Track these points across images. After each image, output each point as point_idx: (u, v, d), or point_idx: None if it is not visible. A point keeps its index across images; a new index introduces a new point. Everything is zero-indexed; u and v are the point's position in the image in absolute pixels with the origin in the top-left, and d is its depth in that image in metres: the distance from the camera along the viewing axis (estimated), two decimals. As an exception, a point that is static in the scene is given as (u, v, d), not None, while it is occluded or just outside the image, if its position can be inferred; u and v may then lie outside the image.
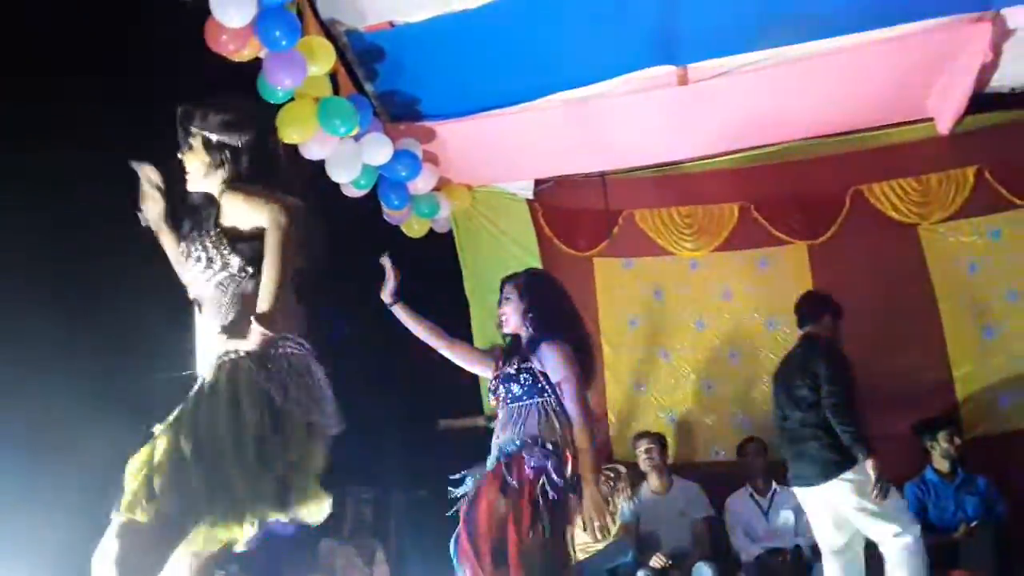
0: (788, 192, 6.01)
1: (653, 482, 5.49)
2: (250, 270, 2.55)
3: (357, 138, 4.80)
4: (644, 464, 5.49)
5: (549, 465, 3.35)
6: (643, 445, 5.51)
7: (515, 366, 3.64)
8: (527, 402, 3.57)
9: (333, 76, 4.63)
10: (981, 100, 5.38)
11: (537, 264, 6.12)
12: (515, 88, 5.08)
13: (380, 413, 5.32)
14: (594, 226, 6.20)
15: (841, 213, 5.94)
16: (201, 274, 2.59)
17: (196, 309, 2.67)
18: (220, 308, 2.56)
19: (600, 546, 5.20)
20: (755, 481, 5.49)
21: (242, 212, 2.56)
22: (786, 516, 5.37)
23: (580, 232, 6.20)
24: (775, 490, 5.44)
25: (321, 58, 4.28)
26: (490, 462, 3.58)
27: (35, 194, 3.74)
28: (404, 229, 5.65)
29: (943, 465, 5.21)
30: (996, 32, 4.77)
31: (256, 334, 2.41)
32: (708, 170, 6.07)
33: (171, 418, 2.49)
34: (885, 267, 5.85)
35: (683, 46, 4.85)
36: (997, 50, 4.92)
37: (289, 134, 4.42)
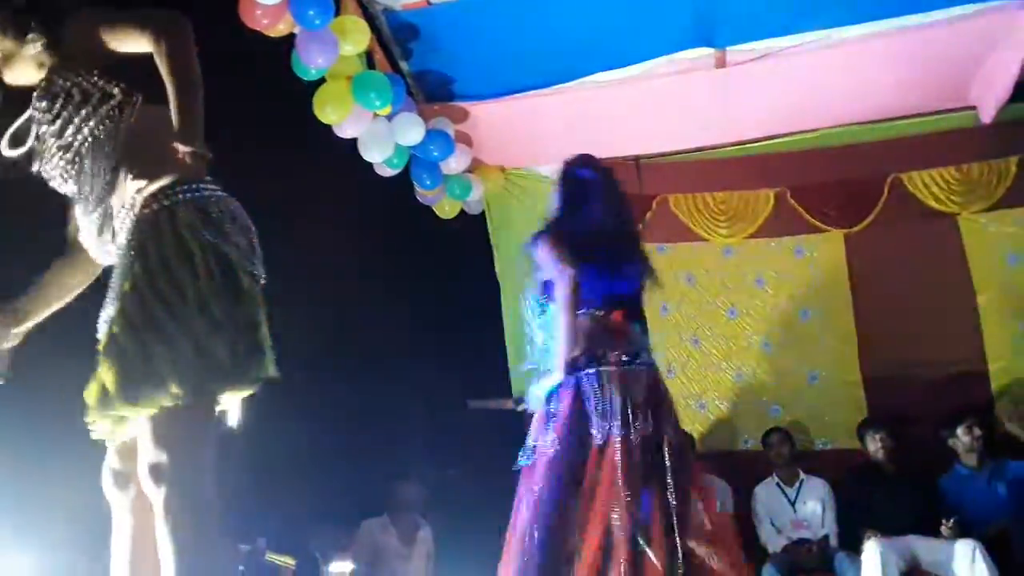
0: (825, 179, 5.93)
1: None
2: (139, 96, 2.18)
3: (390, 117, 4.81)
4: None
5: None
6: None
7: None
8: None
9: (369, 54, 4.65)
10: (1025, 89, 5.27)
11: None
12: (550, 70, 5.06)
13: (409, 392, 5.35)
14: (627, 210, 6.16)
15: (879, 201, 5.86)
16: (74, 118, 2.17)
17: (58, 174, 2.25)
18: (109, 152, 2.16)
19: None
20: (782, 471, 5.45)
21: (107, 41, 2.17)
22: (813, 506, 5.32)
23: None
24: (802, 480, 5.40)
25: (355, 38, 4.29)
26: None
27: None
28: (436, 210, 5.66)
29: (970, 459, 5.15)
30: (1043, 19, 4.68)
31: (189, 161, 2.01)
32: (744, 155, 6.00)
33: (111, 310, 2.13)
34: (923, 257, 5.77)
35: (722, 28, 4.80)
36: (1044, 38, 4.82)
37: (325, 113, 4.44)
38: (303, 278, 4.81)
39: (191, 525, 1.95)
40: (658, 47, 4.94)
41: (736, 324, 6.02)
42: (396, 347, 5.41)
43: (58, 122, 2.19)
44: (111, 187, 2.17)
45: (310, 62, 4.17)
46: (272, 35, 4.04)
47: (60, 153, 2.21)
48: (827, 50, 4.93)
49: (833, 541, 5.17)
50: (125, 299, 2.04)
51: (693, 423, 5.83)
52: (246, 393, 2.13)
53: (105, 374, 1.99)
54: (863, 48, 4.91)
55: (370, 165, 5.02)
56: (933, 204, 5.80)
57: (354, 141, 4.79)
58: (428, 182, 5.29)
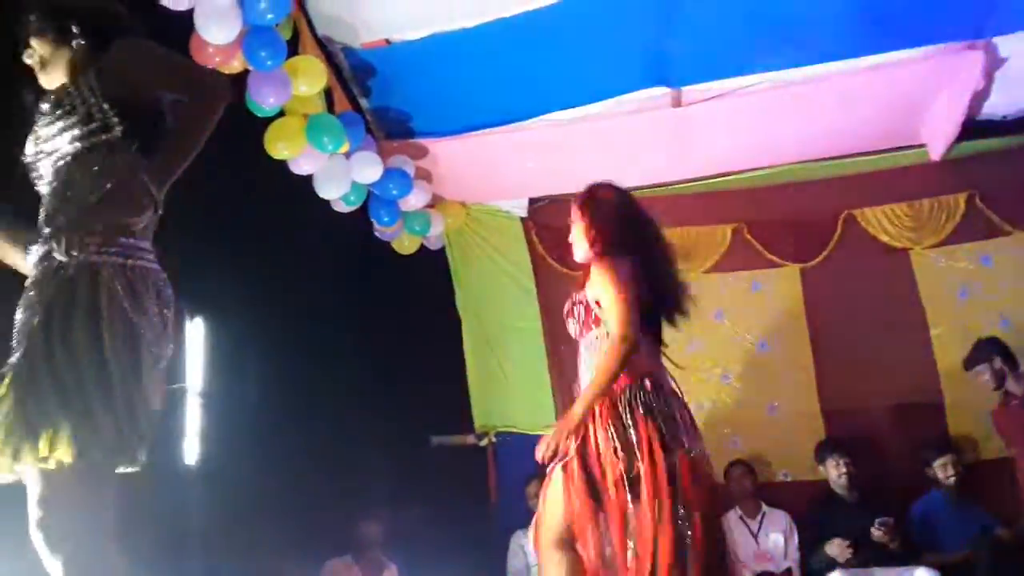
0: (780, 215, 6.02)
1: None
2: (133, 141, 2.13)
3: (349, 155, 4.82)
4: None
5: None
6: None
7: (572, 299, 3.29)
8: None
9: (328, 92, 4.66)
10: (973, 127, 5.41)
11: (530, 283, 6.14)
12: (509, 108, 5.11)
13: (371, 429, 5.32)
14: (587, 246, 6.20)
15: (833, 237, 5.95)
16: (66, 132, 2.12)
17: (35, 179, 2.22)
18: (80, 181, 2.10)
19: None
20: (744, 503, 5.48)
21: (146, 74, 2.16)
22: (775, 539, 5.36)
23: (573, 251, 6.20)
24: (764, 512, 5.43)
25: (310, 77, 4.29)
26: None
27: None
28: (395, 245, 5.67)
29: (948, 490, 5.24)
30: (988, 60, 4.81)
31: (142, 211, 2.00)
32: (701, 192, 6.07)
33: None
34: (876, 291, 5.86)
35: (677, 68, 4.88)
36: (989, 78, 4.97)
37: (277, 149, 4.44)
38: (259, 315, 4.79)
39: None
40: (615, 86, 5.01)
41: (695, 357, 6.04)
42: (357, 384, 5.38)
43: (52, 128, 2.14)
44: (66, 213, 2.09)
45: (262, 102, 4.17)
46: (226, 71, 4.04)
47: (43, 158, 2.17)
48: (781, 90, 5.03)
49: (796, 573, 5.20)
50: (23, 351, 1.98)
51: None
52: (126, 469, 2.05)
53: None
54: (816, 88, 5.02)
55: (327, 200, 5.02)
56: (886, 239, 5.91)
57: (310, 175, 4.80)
58: (386, 219, 5.31)
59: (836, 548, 4.97)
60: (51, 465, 1.89)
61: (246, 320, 4.77)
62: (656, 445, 2.96)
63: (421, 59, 4.71)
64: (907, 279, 5.86)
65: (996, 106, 5.35)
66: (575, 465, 3.06)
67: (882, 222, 5.92)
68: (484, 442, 6.02)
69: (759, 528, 5.41)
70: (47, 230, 2.09)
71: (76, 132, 2.11)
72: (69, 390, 1.90)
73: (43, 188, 2.19)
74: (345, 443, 5.19)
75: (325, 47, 4.58)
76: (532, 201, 6.19)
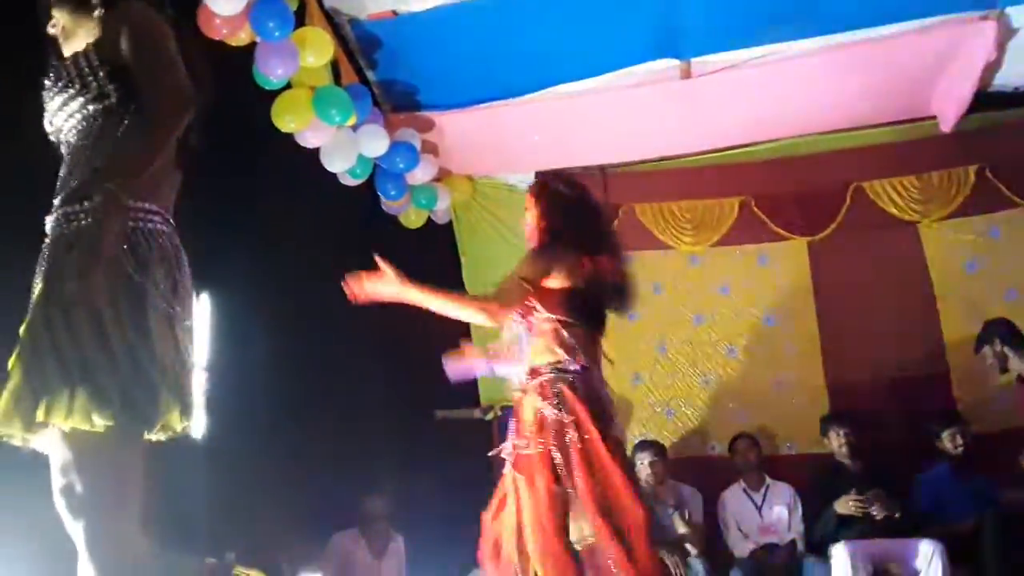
0: (789, 188, 6.00)
1: (654, 490, 5.24)
2: (130, 107, 2.09)
3: (356, 128, 4.79)
4: (643, 475, 5.23)
5: None
6: (646, 459, 5.30)
7: None
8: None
9: (335, 65, 4.62)
10: (984, 99, 5.37)
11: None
12: (518, 80, 5.07)
13: (377, 403, 5.32)
14: (594, 219, 6.18)
15: (841, 209, 5.93)
16: (67, 104, 2.12)
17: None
18: (85, 149, 2.10)
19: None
20: (748, 476, 5.49)
21: (127, 52, 2.11)
22: (779, 511, 5.36)
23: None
24: (768, 485, 5.44)
25: (317, 49, 4.26)
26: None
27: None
28: (402, 219, 5.65)
29: (955, 461, 5.24)
30: (1000, 31, 4.77)
31: (140, 174, 1.98)
32: (709, 165, 6.05)
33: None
34: (884, 264, 5.85)
35: (687, 40, 4.84)
36: (1000, 49, 4.92)
37: (284, 122, 4.41)
38: (264, 290, 4.77)
39: (112, 561, 1.89)
40: (624, 58, 4.97)
41: (702, 331, 6.07)
42: (363, 358, 5.38)
43: (55, 102, 2.14)
44: (70, 182, 2.10)
45: (270, 73, 4.14)
46: (233, 44, 4.01)
47: (54, 132, 2.19)
48: (790, 61, 4.99)
49: (800, 546, 5.21)
50: (32, 313, 1.99)
51: (660, 430, 5.86)
52: (147, 434, 2.00)
53: (7, 389, 1.93)
54: (826, 60, 4.97)
55: (334, 173, 4.99)
56: (894, 212, 5.88)
57: (316, 148, 4.77)
58: (393, 193, 5.28)
59: (843, 505, 4.97)
60: (68, 431, 1.89)
61: (252, 295, 4.76)
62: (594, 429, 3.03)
63: (428, 31, 4.67)
64: (915, 252, 5.85)
65: (1008, 77, 5.31)
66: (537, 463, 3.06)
67: (891, 194, 5.89)
68: (489, 416, 6.02)
69: (763, 501, 5.42)
70: (55, 202, 2.10)
71: (75, 104, 2.11)
72: (69, 356, 1.88)
73: (63, 151, 2.18)
74: (351, 417, 5.20)
75: (331, 19, 4.53)
76: (539, 175, 6.14)
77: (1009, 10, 4.69)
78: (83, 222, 1.98)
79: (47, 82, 2.17)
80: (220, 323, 4.84)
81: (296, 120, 4.41)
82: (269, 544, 4.83)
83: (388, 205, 5.47)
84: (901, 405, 5.59)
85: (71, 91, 2.10)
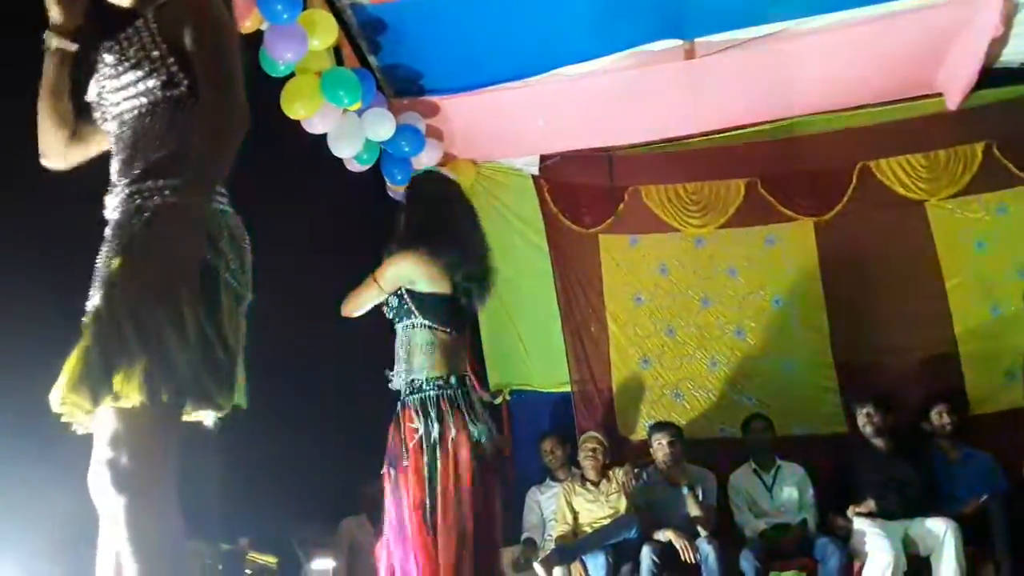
0: (795, 168, 5.97)
1: (667, 473, 5.32)
2: (196, 101, 2.05)
3: (360, 112, 4.78)
4: (661, 457, 5.33)
5: None
6: (664, 439, 5.34)
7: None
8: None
9: (337, 50, 4.62)
10: (990, 75, 5.32)
11: (542, 241, 6.12)
12: (520, 63, 5.05)
13: (384, 389, 5.32)
14: (600, 202, 6.17)
15: (848, 189, 5.91)
16: (132, 86, 2.07)
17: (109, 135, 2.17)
18: (150, 134, 2.06)
19: (606, 521, 5.23)
20: (759, 457, 5.48)
21: (190, 43, 2.05)
22: (790, 492, 5.36)
23: (586, 208, 6.18)
24: (779, 466, 5.44)
25: (323, 32, 4.26)
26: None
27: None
28: (408, 204, 5.64)
29: (943, 444, 5.25)
30: (1006, 6, 4.72)
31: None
32: (715, 146, 6.02)
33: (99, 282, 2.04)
34: (892, 244, 5.83)
35: (690, 20, 4.82)
36: (1007, 24, 4.87)
37: (293, 108, 4.40)
38: (271, 277, 4.77)
39: (154, 534, 1.90)
40: (627, 39, 4.95)
41: (709, 313, 6.05)
42: (370, 344, 5.37)
43: (117, 81, 2.09)
44: (138, 163, 2.07)
45: (279, 57, 4.14)
46: (240, 31, 3.99)
47: (108, 105, 2.13)
48: (795, 40, 4.96)
49: (811, 526, 5.21)
50: (102, 293, 1.97)
51: (669, 412, 5.86)
52: (210, 413, 2.03)
53: (70, 364, 1.92)
54: (830, 38, 4.94)
55: (339, 160, 4.99)
56: (901, 191, 5.86)
57: (322, 136, 4.76)
58: (399, 177, 5.27)
59: (864, 507, 4.98)
60: (126, 405, 1.88)
61: (259, 282, 4.76)
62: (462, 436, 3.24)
63: (430, 15, 4.65)
64: (923, 231, 5.82)
65: (1014, 53, 5.25)
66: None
67: (898, 174, 5.87)
68: (499, 400, 6.03)
69: (773, 481, 5.41)
70: (123, 180, 2.08)
71: (141, 86, 2.06)
72: (145, 331, 1.87)
73: (110, 133, 2.15)
74: (358, 401, 5.21)
75: (333, 3, 4.51)
76: (544, 158, 6.14)
77: (1016, -15, 4.66)
78: (165, 198, 1.98)
79: (107, 54, 2.11)
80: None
81: (305, 106, 4.40)
82: (282, 530, 4.85)
83: (394, 190, 5.46)
84: (911, 385, 5.58)
85: (139, 72, 2.05)
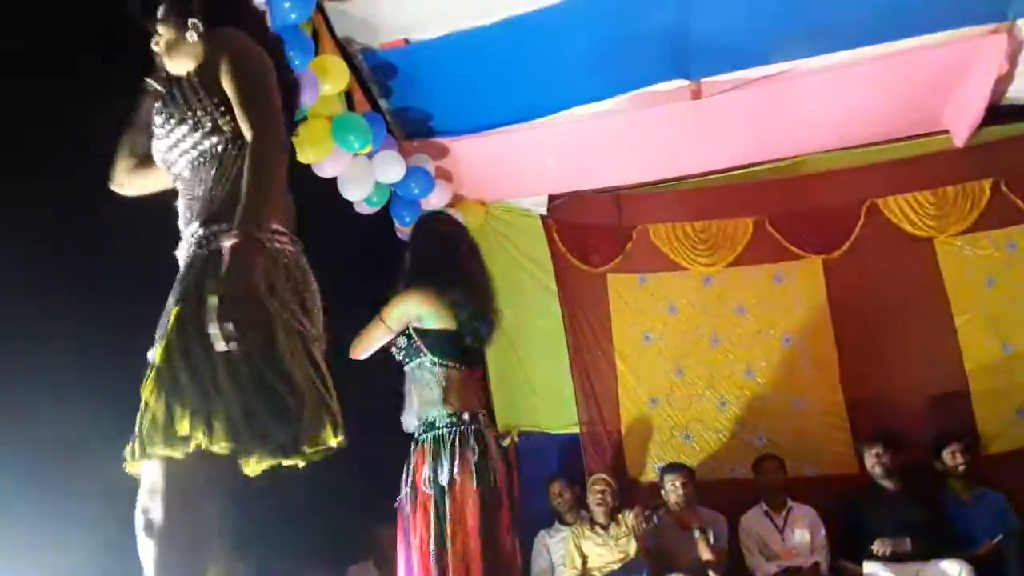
0: (802, 206, 5.98)
1: (679, 515, 5.26)
2: (242, 141, 2.07)
3: (370, 156, 4.81)
4: (674, 499, 5.28)
5: None
6: (677, 480, 5.29)
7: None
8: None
9: (348, 93, 4.65)
10: (997, 112, 5.35)
11: (551, 281, 6.12)
12: (529, 104, 5.08)
13: (392, 430, 5.29)
14: (608, 242, 6.18)
15: (856, 227, 5.91)
16: (182, 141, 2.12)
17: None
18: (202, 184, 2.10)
19: (616, 566, 5.18)
20: (770, 498, 5.43)
21: (226, 83, 2.08)
22: (802, 534, 5.30)
23: (594, 248, 6.18)
24: (790, 507, 5.39)
25: (335, 77, 4.29)
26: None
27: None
28: (417, 246, 5.65)
29: (955, 484, 5.20)
30: (1012, 43, 4.77)
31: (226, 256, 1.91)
32: (722, 184, 6.03)
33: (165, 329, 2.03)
34: (901, 281, 5.81)
35: (697, 60, 4.85)
36: (1013, 61, 4.92)
37: (305, 153, 4.42)
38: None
39: None
40: (634, 80, 4.98)
41: (719, 352, 6.03)
42: (378, 384, 5.35)
43: (168, 140, 2.14)
44: (193, 209, 2.11)
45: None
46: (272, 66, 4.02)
47: (165, 157, 2.19)
48: (800, 79, 4.99)
49: (823, 568, 5.15)
50: (165, 340, 1.96)
51: (679, 454, 5.81)
52: (272, 461, 2.01)
53: (147, 409, 1.92)
54: (836, 76, 4.97)
55: (348, 202, 5.00)
56: (909, 228, 5.86)
57: (331, 178, 4.79)
58: (408, 219, 5.28)
59: (879, 546, 4.92)
60: (178, 455, 1.88)
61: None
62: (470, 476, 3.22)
63: (440, 58, 4.69)
64: (931, 268, 5.81)
65: (1020, 90, 5.28)
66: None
67: (905, 211, 5.87)
68: (507, 442, 5.98)
69: (784, 523, 5.36)
70: (187, 230, 2.11)
71: (189, 141, 2.10)
72: (199, 380, 1.88)
73: (177, 184, 2.19)
74: (365, 443, 5.15)
75: (343, 48, 4.56)
76: (552, 198, 6.16)
77: (1020, 22, 4.68)
78: (219, 243, 1.95)
79: (157, 116, 2.16)
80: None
81: (315, 151, 4.42)
82: (284, 574, 4.79)
83: (403, 231, 5.47)
84: (922, 424, 5.53)
85: (184, 128, 2.10)
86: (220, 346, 1.80)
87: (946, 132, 5.58)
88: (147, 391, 1.91)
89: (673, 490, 5.25)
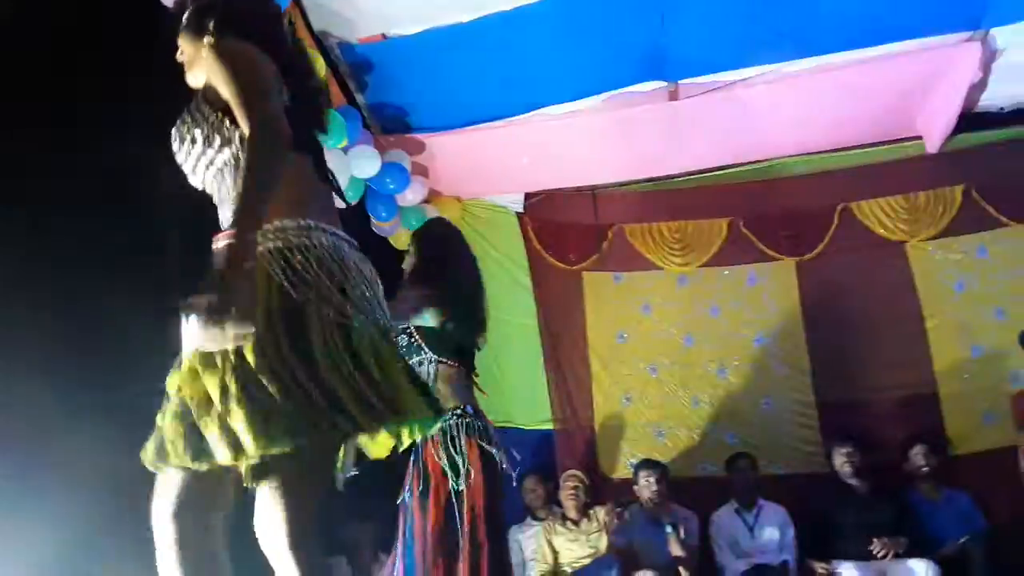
0: (777, 208, 6.04)
1: (652, 511, 5.29)
2: None
3: (346, 150, 4.80)
4: (647, 495, 5.31)
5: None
6: (652, 476, 5.32)
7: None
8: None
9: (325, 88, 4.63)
10: (970, 119, 5.41)
11: (526, 278, 6.13)
12: (507, 102, 5.09)
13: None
14: (584, 240, 6.21)
15: (829, 230, 5.97)
16: (200, 158, 2.07)
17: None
18: (226, 192, 2.04)
19: (586, 561, 5.21)
20: (741, 496, 5.47)
21: (218, 87, 2.01)
22: (771, 532, 5.35)
23: (570, 246, 6.21)
24: (761, 505, 5.43)
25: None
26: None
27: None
28: (392, 241, 5.64)
29: (922, 485, 5.27)
30: (985, 52, 4.82)
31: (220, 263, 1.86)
32: (698, 186, 6.08)
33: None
34: (872, 284, 5.88)
35: (674, 62, 4.87)
36: (986, 70, 4.97)
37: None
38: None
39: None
40: (612, 80, 5.00)
41: (692, 352, 6.07)
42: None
43: (188, 164, 2.09)
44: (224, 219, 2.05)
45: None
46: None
47: (191, 175, 2.13)
48: (777, 83, 5.03)
49: (792, 566, 5.20)
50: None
51: (651, 451, 5.84)
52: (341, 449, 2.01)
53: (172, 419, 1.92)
54: (812, 81, 5.01)
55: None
56: (881, 232, 5.92)
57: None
58: (384, 214, 5.28)
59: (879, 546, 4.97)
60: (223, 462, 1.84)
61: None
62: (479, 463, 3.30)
63: (417, 54, 4.68)
64: (903, 272, 5.87)
65: (993, 98, 5.35)
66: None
67: (878, 215, 5.93)
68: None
69: (755, 521, 5.40)
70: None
71: (206, 159, 2.05)
72: (250, 379, 1.83)
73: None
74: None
75: (320, 42, 4.54)
76: (528, 196, 6.18)
77: (994, 31, 4.74)
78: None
79: (175, 137, 2.10)
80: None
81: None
82: (254, 572, 4.76)
83: (378, 227, 5.47)
84: (890, 425, 5.60)
85: (198, 146, 2.04)
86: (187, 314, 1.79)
87: (919, 138, 5.64)
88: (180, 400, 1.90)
89: (647, 486, 5.29)
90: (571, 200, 6.23)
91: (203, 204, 2.16)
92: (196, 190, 2.17)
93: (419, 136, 5.30)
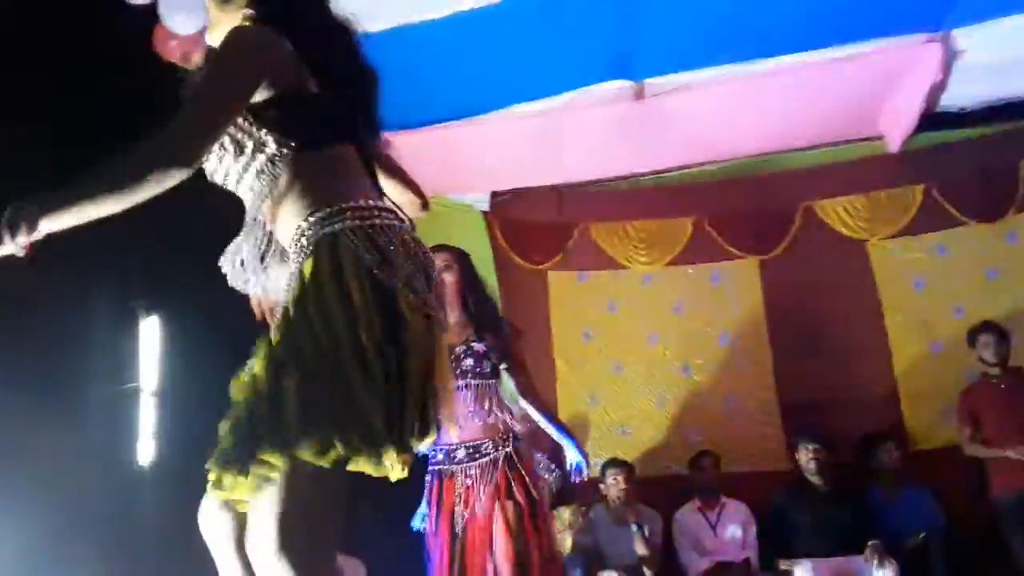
0: (740, 208, 6.08)
1: (617, 511, 5.32)
2: (295, 144, 1.83)
3: (311, 148, 4.74)
4: (614, 494, 5.34)
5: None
6: (619, 475, 5.35)
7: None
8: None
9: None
10: (931, 119, 5.45)
11: (492, 278, 6.10)
12: (472, 101, 5.04)
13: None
14: (549, 239, 6.21)
15: (792, 229, 6.03)
16: (231, 167, 1.87)
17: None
18: (267, 199, 1.87)
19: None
20: (704, 495, 5.49)
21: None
22: (734, 530, 5.39)
23: (535, 245, 6.20)
24: (723, 503, 5.46)
25: (275, 67, 4.21)
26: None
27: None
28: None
29: (882, 481, 5.34)
30: (946, 53, 4.85)
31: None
32: (662, 185, 6.10)
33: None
34: (834, 282, 5.94)
35: (639, 62, 4.85)
36: (947, 70, 5.00)
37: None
38: (215, 312, 4.67)
39: None
40: (577, 79, 4.96)
41: (657, 350, 6.09)
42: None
43: (217, 173, 1.91)
44: (273, 223, 1.89)
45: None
46: (190, 69, 3.93)
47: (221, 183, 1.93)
48: (741, 83, 5.03)
49: (754, 562, 5.24)
50: (277, 334, 1.75)
51: (616, 450, 5.85)
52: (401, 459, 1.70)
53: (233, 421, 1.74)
54: (775, 81, 5.02)
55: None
56: (843, 231, 5.98)
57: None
58: (350, 212, 5.23)
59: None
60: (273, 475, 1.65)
61: (202, 317, 4.66)
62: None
63: (380, 52, 4.55)
64: (864, 270, 5.96)
65: (953, 98, 5.39)
66: None
67: (840, 213, 6.00)
68: (446, 438, 5.96)
69: (717, 519, 5.43)
70: (252, 248, 1.97)
71: (238, 167, 1.87)
72: (316, 377, 1.65)
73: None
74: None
75: (283, 40, 4.48)
76: (494, 195, 6.15)
77: (955, 32, 4.77)
78: (319, 231, 1.77)
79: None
80: (169, 346, 4.73)
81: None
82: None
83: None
84: (852, 422, 5.65)
85: (229, 157, 1.86)
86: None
87: (881, 138, 5.68)
88: (259, 386, 1.72)
89: (614, 484, 5.30)
90: (537, 199, 6.22)
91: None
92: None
93: (385, 134, 5.24)
